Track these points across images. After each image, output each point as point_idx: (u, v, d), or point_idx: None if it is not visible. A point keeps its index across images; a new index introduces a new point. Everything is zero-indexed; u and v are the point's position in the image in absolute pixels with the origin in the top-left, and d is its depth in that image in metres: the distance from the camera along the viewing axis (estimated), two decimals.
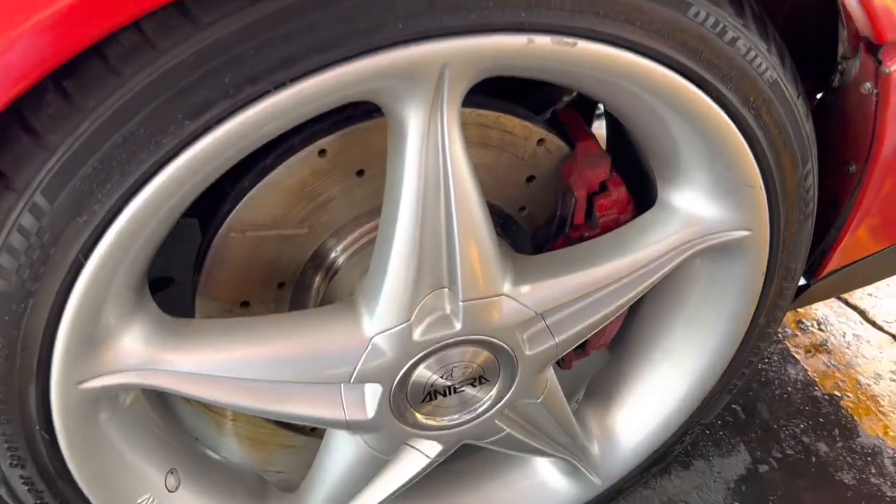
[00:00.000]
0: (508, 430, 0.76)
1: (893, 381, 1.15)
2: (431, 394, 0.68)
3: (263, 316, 0.70)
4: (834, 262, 0.88)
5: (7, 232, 0.48)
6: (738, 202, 0.68)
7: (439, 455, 0.74)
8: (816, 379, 1.15)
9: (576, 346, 0.76)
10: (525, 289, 0.65)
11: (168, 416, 0.75)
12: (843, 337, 1.21)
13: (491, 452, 0.90)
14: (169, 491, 0.72)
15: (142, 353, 0.59)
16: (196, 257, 0.68)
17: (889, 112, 0.67)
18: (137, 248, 0.53)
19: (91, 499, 0.64)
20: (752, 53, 0.58)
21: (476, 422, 0.72)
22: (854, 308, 1.26)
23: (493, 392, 0.71)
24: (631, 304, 0.74)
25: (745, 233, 0.70)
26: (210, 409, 0.81)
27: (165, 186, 0.50)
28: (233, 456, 0.84)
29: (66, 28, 0.42)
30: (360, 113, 0.64)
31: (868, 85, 0.66)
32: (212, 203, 0.66)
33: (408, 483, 0.77)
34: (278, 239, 0.68)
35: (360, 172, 0.67)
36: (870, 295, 1.29)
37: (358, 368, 0.63)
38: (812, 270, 0.89)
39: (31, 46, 0.42)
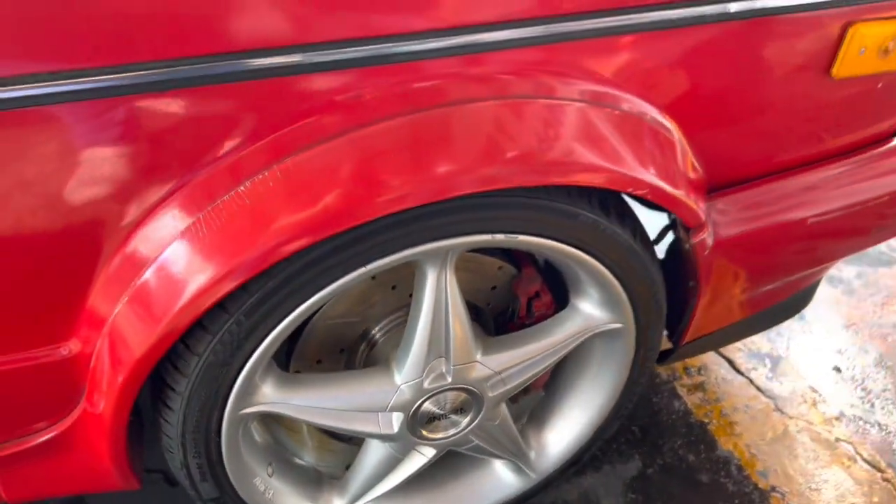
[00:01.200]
0: (477, 441, 1.21)
1: (745, 412, 1.63)
2: (431, 419, 1.14)
3: (338, 371, 1.16)
4: (689, 336, 1.36)
5: (224, 332, 0.93)
6: (614, 308, 1.15)
7: (433, 457, 1.20)
8: (693, 409, 1.63)
9: (520, 390, 1.23)
10: (488, 358, 1.12)
11: (269, 434, 1.20)
12: (715, 380, 1.70)
13: (458, 461, 1.36)
14: (269, 476, 1.17)
15: (272, 394, 1.04)
16: (292, 336, 1.14)
17: (700, 258, 1.14)
18: (274, 346, 0.98)
19: (231, 478, 1.09)
20: (615, 234, 1.05)
21: (458, 436, 1.18)
22: (726, 358, 1.75)
23: (468, 418, 1.16)
24: (554, 364, 1.21)
25: (619, 325, 1.17)
26: (290, 430, 1.26)
27: (294, 318, 0.95)
28: (302, 458, 1.29)
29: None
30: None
31: (688, 246, 1.13)
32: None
33: (411, 476, 1.22)
34: (343, 324, 1.14)
35: (394, 287, 1.13)
36: (739, 349, 1.77)
37: (391, 404, 1.09)
38: (677, 340, 1.36)
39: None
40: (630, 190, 0.97)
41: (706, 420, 1.60)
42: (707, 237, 1.12)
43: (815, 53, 1.05)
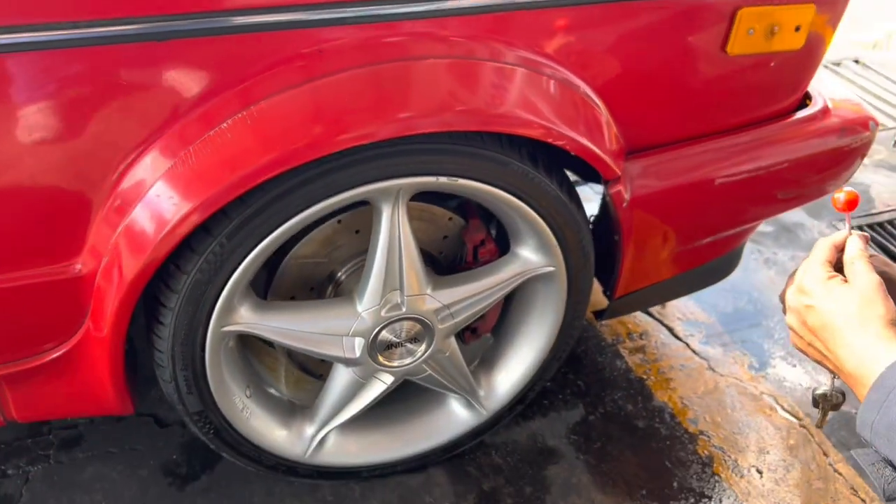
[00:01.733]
0: (430, 371, 1.39)
1: (680, 370, 1.81)
2: (389, 346, 1.31)
3: (308, 300, 1.33)
4: (620, 291, 1.54)
5: (209, 253, 1.10)
6: (547, 252, 1.33)
7: (392, 383, 1.37)
8: (633, 368, 1.80)
9: (469, 326, 1.41)
10: (438, 292, 1.30)
11: (248, 365, 1.37)
12: (655, 343, 1.88)
13: (418, 399, 1.53)
14: (247, 397, 1.34)
15: (248, 316, 1.22)
16: (269, 273, 1.31)
17: (620, 210, 1.33)
18: (252, 268, 1.16)
19: (213, 391, 1.26)
20: (542, 183, 1.23)
21: (412, 364, 1.35)
22: (665, 326, 1.93)
23: (422, 348, 1.34)
24: (497, 303, 1.39)
25: (552, 268, 1.35)
26: (269, 369, 1.43)
27: (268, 243, 1.13)
28: (277, 390, 1.46)
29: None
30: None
31: (608, 197, 1.32)
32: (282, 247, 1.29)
33: (372, 402, 1.39)
34: (312, 264, 1.32)
35: (357, 231, 1.31)
36: (678, 318, 1.96)
37: (352, 328, 1.27)
38: (611, 294, 1.54)
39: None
40: (551, 140, 1.16)
41: (645, 377, 1.78)
42: (624, 191, 1.31)
43: (712, 32, 1.25)
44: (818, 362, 0.89)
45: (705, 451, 1.61)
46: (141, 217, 1.07)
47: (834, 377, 0.92)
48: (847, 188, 0.91)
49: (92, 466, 1.52)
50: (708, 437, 1.64)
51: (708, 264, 1.63)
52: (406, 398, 1.54)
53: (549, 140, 1.16)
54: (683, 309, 1.97)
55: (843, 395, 0.98)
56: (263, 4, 0.99)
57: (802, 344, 0.89)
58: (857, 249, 0.86)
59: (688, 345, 1.87)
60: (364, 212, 1.27)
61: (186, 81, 1.01)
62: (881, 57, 3.46)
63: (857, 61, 3.34)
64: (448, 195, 1.37)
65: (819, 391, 1.01)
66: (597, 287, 1.54)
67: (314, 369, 1.45)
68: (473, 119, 1.11)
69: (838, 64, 3.31)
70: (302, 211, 1.11)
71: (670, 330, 1.91)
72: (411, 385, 1.54)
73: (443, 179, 1.16)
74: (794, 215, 2.35)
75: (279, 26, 1.01)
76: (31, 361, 1.20)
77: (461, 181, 1.17)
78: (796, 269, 0.90)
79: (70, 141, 1.01)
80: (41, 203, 1.06)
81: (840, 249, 0.88)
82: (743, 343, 1.89)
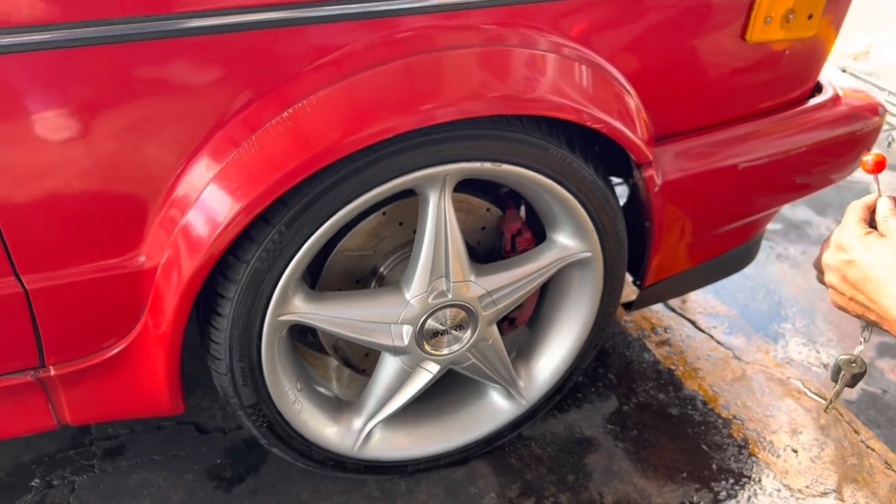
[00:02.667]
0: (473, 360, 1.42)
1: (707, 360, 1.84)
2: (435, 333, 1.35)
3: (358, 290, 1.37)
4: (651, 279, 1.59)
5: (268, 241, 1.14)
6: (583, 238, 1.38)
7: (437, 372, 1.40)
8: (661, 360, 1.84)
9: (508, 315, 1.45)
10: (481, 279, 1.34)
11: (297, 359, 1.40)
12: (680, 336, 1.92)
13: (459, 392, 1.56)
14: (298, 390, 1.36)
15: (302, 306, 1.25)
16: (317, 267, 1.35)
17: (652, 195, 1.38)
18: (308, 257, 1.20)
19: (268, 383, 1.28)
20: (579, 168, 1.29)
21: (458, 352, 1.39)
22: (688, 320, 1.97)
23: (467, 334, 1.37)
24: (536, 290, 1.43)
25: (588, 253, 1.40)
26: (318, 369, 1.46)
27: (323, 231, 1.17)
28: (325, 388, 1.48)
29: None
30: (401, 196, 1.33)
31: (640, 182, 1.37)
32: (329, 242, 1.33)
33: (418, 392, 1.41)
34: (358, 257, 1.36)
35: (401, 223, 1.35)
36: (699, 312, 2.00)
37: (401, 316, 1.30)
38: (641, 283, 1.59)
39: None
40: (588, 123, 1.22)
41: (673, 367, 1.81)
42: (655, 175, 1.36)
43: (733, 21, 1.32)
44: (860, 316, 0.93)
45: (740, 435, 1.64)
46: (196, 216, 1.11)
47: (862, 342, 0.98)
48: (875, 151, 0.97)
49: (137, 474, 1.53)
50: (741, 420, 1.67)
51: (730, 253, 1.68)
52: (448, 392, 1.57)
53: (587, 123, 1.22)
54: (704, 304, 2.02)
55: (865, 365, 1.02)
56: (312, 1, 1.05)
57: (843, 300, 0.94)
58: (888, 208, 0.91)
59: (711, 336, 1.91)
60: (407, 203, 1.31)
61: (235, 82, 1.06)
62: (866, 66, 3.58)
63: (844, 70, 3.45)
64: (484, 189, 1.42)
65: (843, 357, 1.05)
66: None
67: (358, 365, 1.48)
68: (514, 104, 1.16)
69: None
70: (356, 198, 1.15)
71: (693, 323, 1.95)
72: (453, 379, 1.57)
73: (487, 165, 1.21)
74: (801, 213, 2.41)
75: (328, 19, 1.07)
76: (89, 360, 1.23)
77: (504, 166, 1.22)
78: (830, 235, 0.95)
79: (131, 140, 1.05)
80: (106, 199, 1.09)
81: (872, 210, 0.93)
82: (765, 333, 1.93)
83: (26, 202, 1.05)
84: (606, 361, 1.82)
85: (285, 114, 1.08)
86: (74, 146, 1.02)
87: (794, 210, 2.45)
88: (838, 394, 1.37)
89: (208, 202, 1.10)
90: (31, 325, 1.15)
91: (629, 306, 1.63)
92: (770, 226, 2.34)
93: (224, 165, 1.09)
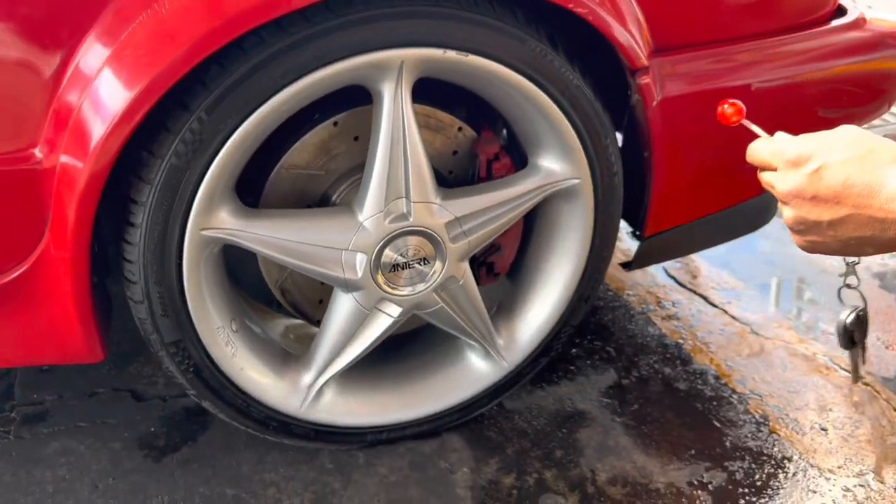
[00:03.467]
0: (442, 304, 1.21)
1: (720, 335, 1.62)
2: (394, 266, 1.15)
3: (301, 209, 1.17)
4: (652, 227, 1.38)
5: (185, 131, 0.96)
6: (570, 161, 1.19)
7: (399, 317, 1.19)
8: (667, 334, 1.62)
9: (486, 259, 1.25)
10: (449, 202, 1.14)
11: (234, 295, 1.20)
12: (690, 311, 1.70)
13: (430, 352, 1.35)
14: (233, 331, 1.16)
15: (231, 221, 1.06)
16: (259, 182, 1.16)
17: (650, 111, 1.19)
18: (235, 161, 1.02)
19: (192, 314, 1.08)
20: (562, 68, 1.10)
21: (421, 293, 1.18)
22: (699, 295, 1.76)
23: (432, 270, 1.17)
24: (516, 227, 1.24)
25: (576, 180, 1.20)
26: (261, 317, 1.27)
27: (252, 124, 0.99)
28: (267, 334, 1.28)
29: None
30: (356, 104, 1.15)
31: (636, 96, 1.18)
32: (271, 156, 1.15)
33: (377, 340, 1.20)
34: (307, 176, 1.17)
35: (356, 138, 1.17)
36: (712, 287, 1.78)
37: (352, 241, 1.10)
38: (641, 233, 1.38)
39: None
40: (571, 7, 1.04)
41: (681, 341, 1.59)
42: (654, 86, 1.17)
43: None
44: (842, 250, 0.75)
45: (758, 411, 1.41)
46: (89, 106, 0.94)
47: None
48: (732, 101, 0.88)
49: (57, 441, 1.32)
50: (759, 396, 1.44)
51: (744, 204, 1.47)
52: (418, 352, 1.36)
53: (569, 6, 1.03)
54: (717, 279, 1.80)
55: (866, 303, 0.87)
56: None
57: (820, 234, 0.75)
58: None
59: (725, 311, 1.69)
60: (363, 113, 1.13)
61: None
62: None
63: None
64: (456, 107, 1.23)
65: (847, 318, 0.89)
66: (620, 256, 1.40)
67: (310, 312, 1.28)
68: None
69: None
70: (290, 83, 0.97)
71: (705, 298, 1.74)
72: (422, 335, 1.37)
73: (451, 53, 1.03)
74: None
75: None
76: None
77: (472, 58, 1.04)
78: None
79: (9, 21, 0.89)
80: None
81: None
82: (786, 309, 1.71)
83: None
84: (605, 335, 1.61)
85: None
86: None
87: None
88: (858, 357, 1.17)
89: (103, 86, 0.93)
90: None
91: (629, 266, 1.43)
92: None
93: (123, 38, 0.92)
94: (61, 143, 0.96)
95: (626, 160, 1.26)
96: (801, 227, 0.77)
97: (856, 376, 1.24)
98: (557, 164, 1.20)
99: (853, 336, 1.13)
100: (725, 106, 0.89)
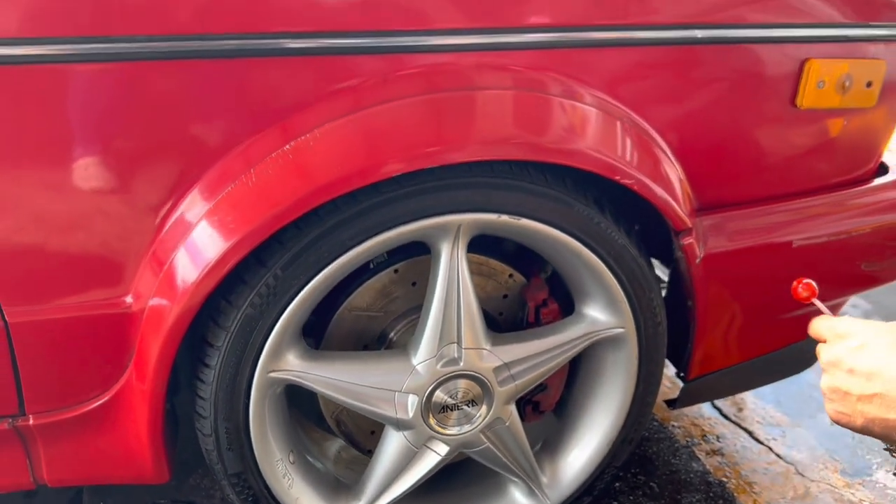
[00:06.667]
0: (488, 443, 1.27)
1: (764, 474, 1.62)
2: (444, 408, 1.21)
3: (360, 352, 1.26)
4: (695, 370, 1.42)
5: (262, 285, 1.06)
6: (615, 311, 1.24)
7: (446, 454, 1.25)
8: (711, 471, 1.63)
9: (532, 398, 1.30)
10: (498, 349, 1.21)
11: (293, 427, 1.28)
12: (734, 446, 1.71)
13: (472, 486, 1.40)
14: (290, 462, 1.23)
15: (297, 364, 1.14)
16: (322, 323, 1.25)
17: (693, 268, 1.25)
18: (304, 310, 1.11)
19: (255, 449, 1.16)
20: (608, 230, 1.18)
21: (470, 432, 1.24)
22: (744, 429, 1.76)
23: (480, 412, 1.23)
24: (562, 370, 1.29)
25: (621, 329, 1.26)
26: (313, 438, 1.34)
27: (323, 278, 1.09)
28: (322, 464, 1.34)
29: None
30: (415, 253, 1.24)
31: (680, 253, 1.25)
32: (337, 298, 1.24)
33: (425, 476, 1.26)
34: (367, 318, 1.26)
35: (414, 283, 1.25)
36: (757, 422, 1.79)
37: (406, 383, 1.18)
38: (686, 374, 1.42)
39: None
40: (618, 178, 1.12)
41: (725, 479, 1.60)
42: (696, 245, 1.23)
43: (781, 83, 1.23)
44: (867, 428, 0.79)
45: None
46: (184, 255, 1.05)
47: None
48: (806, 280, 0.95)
49: None
50: None
51: (787, 349, 1.50)
52: (461, 484, 1.40)
53: (615, 177, 1.12)
54: (762, 413, 1.81)
55: None
56: (320, 29, 1.00)
57: (849, 405, 0.80)
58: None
59: (770, 448, 1.70)
60: (422, 262, 1.22)
61: (236, 111, 1.01)
62: None
63: None
64: (509, 255, 1.32)
65: None
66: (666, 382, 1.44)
67: (363, 443, 1.34)
68: (538, 150, 1.08)
69: None
70: (359, 244, 1.07)
71: (750, 433, 1.75)
72: (466, 468, 1.41)
73: (504, 217, 1.11)
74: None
75: (336, 51, 1.02)
76: (71, 411, 1.14)
77: (524, 221, 1.13)
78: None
79: (115, 172, 1.01)
80: (93, 231, 1.04)
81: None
82: (832, 448, 1.71)
83: (9, 231, 1.00)
84: (649, 469, 1.63)
85: (287, 147, 1.02)
86: (60, 175, 0.99)
87: (893, 296, 2.24)
88: None
89: (198, 239, 1.03)
90: (11, 363, 1.08)
91: (673, 404, 1.46)
92: (866, 310, 2.14)
93: (218, 200, 1.03)
94: (151, 289, 1.07)
95: (671, 306, 1.32)
96: (833, 396, 0.81)
97: None
98: (603, 314, 1.26)
99: None
100: (800, 287, 0.96)
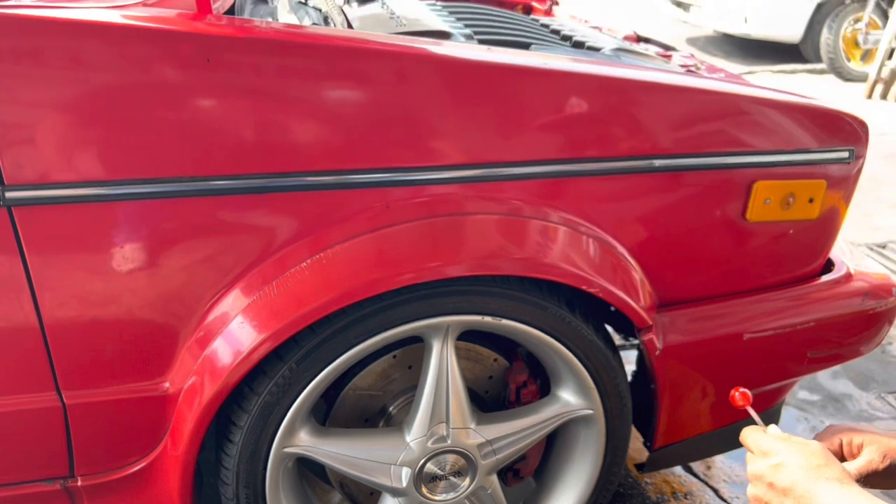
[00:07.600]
0: None
1: None
2: (433, 478, 1.40)
3: (362, 429, 1.45)
4: (660, 441, 1.60)
5: (279, 376, 1.25)
6: (585, 395, 1.43)
7: None
8: None
9: (511, 467, 1.48)
10: (482, 427, 1.40)
11: (303, 492, 1.46)
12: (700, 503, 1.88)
13: None
14: None
15: (307, 440, 1.34)
16: (328, 403, 1.44)
17: (654, 358, 1.43)
18: (315, 393, 1.30)
19: None
20: (578, 328, 1.36)
21: (455, 499, 1.43)
22: (711, 487, 1.94)
23: (465, 482, 1.42)
24: (539, 442, 1.48)
25: (590, 410, 1.44)
26: (320, 498, 1.52)
27: (331, 370, 1.28)
28: None
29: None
30: (412, 341, 1.43)
31: (642, 346, 1.43)
32: (342, 379, 1.43)
33: None
34: (368, 396, 1.45)
35: (410, 366, 1.44)
36: (724, 480, 1.97)
37: (400, 458, 1.37)
38: (651, 444, 1.61)
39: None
40: (584, 287, 1.31)
41: None
42: (656, 339, 1.42)
43: (731, 201, 1.42)
44: None
45: None
46: (221, 344, 1.24)
47: None
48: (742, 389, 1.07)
49: None
50: None
51: (744, 421, 1.68)
52: None
53: (583, 287, 1.31)
54: (729, 472, 1.98)
55: None
56: (344, 167, 1.21)
57: None
58: (779, 431, 0.98)
59: None
60: (417, 348, 1.41)
61: (268, 231, 1.21)
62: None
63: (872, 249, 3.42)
64: (494, 339, 1.51)
65: None
66: (639, 440, 1.61)
67: (363, 503, 1.53)
68: (518, 265, 1.27)
69: (883, 246, 3.41)
70: (362, 342, 1.26)
71: (716, 492, 1.92)
72: None
73: (487, 319, 1.30)
74: (842, 385, 2.37)
75: (353, 185, 1.22)
76: (114, 473, 1.33)
77: (504, 321, 1.32)
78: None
79: (168, 279, 1.21)
80: (145, 326, 1.24)
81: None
82: None
83: (77, 325, 1.20)
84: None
85: (311, 260, 1.22)
86: (128, 279, 1.18)
87: (835, 382, 2.41)
88: None
89: (235, 332, 1.23)
90: (66, 436, 1.28)
91: (642, 467, 1.64)
92: (808, 396, 2.32)
93: (254, 300, 1.22)
94: (189, 372, 1.26)
95: (637, 385, 1.50)
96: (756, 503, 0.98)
97: None
98: (574, 397, 1.44)
99: None
100: (737, 395, 1.08)
